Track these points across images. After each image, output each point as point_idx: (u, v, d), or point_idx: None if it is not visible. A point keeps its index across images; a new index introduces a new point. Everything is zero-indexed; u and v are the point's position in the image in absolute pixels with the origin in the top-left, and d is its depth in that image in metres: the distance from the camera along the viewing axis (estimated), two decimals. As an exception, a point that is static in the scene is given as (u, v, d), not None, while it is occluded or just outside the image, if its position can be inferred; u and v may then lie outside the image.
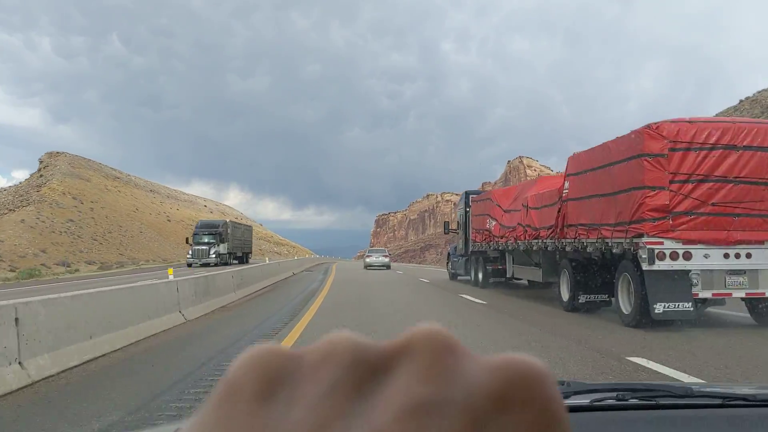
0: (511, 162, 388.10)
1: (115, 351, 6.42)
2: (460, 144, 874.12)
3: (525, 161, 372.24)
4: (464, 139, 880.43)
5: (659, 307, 7.67)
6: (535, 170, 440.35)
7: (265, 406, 0.22)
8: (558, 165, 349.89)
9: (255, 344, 0.24)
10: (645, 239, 7.85)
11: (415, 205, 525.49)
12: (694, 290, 7.93)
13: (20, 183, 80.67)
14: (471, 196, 19.07)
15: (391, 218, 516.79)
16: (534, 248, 12.28)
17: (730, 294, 8.28)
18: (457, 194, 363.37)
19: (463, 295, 13.49)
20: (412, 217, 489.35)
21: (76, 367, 5.63)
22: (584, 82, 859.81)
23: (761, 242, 8.01)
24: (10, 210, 58.71)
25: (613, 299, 9.52)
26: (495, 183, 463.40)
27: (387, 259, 35.91)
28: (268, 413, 0.22)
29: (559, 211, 10.70)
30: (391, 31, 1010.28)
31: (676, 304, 7.69)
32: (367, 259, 35.99)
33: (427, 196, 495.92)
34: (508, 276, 15.45)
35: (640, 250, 7.95)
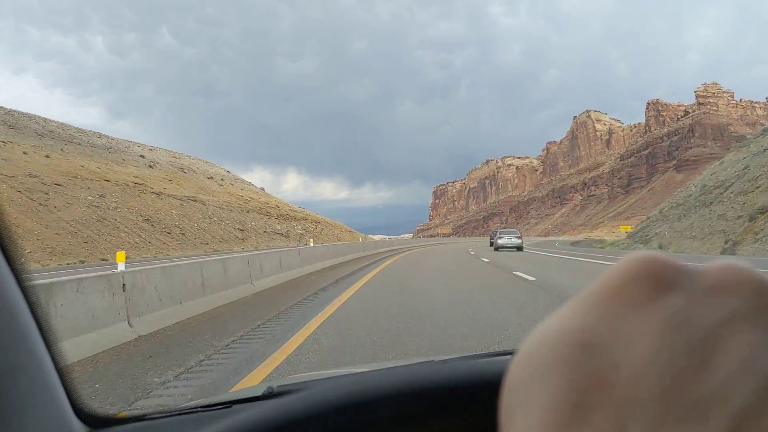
0: (578, 117, 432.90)
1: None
2: (515, 109, 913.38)
3: (593, 115, 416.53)
4: (519, 104, 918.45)
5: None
6: (604, 124, 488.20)
7: (658, 309, 0.22)
8: (627, 119, 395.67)
9: (639, 252, 0.25)
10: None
11: (475, 173, 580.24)
12: None
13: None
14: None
15: (449, 189, 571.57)
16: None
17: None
18: (519, 157, 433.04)
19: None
20: (472, 186, 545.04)
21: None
22: (640, 35, 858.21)
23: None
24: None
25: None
26: (561, 141, 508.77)
27: (519, 240, 34.03)
28: (663, 318, 0.22)
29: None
30: None
31: None
32: (499, 241, 34.20)
33: (487, 162, 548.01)
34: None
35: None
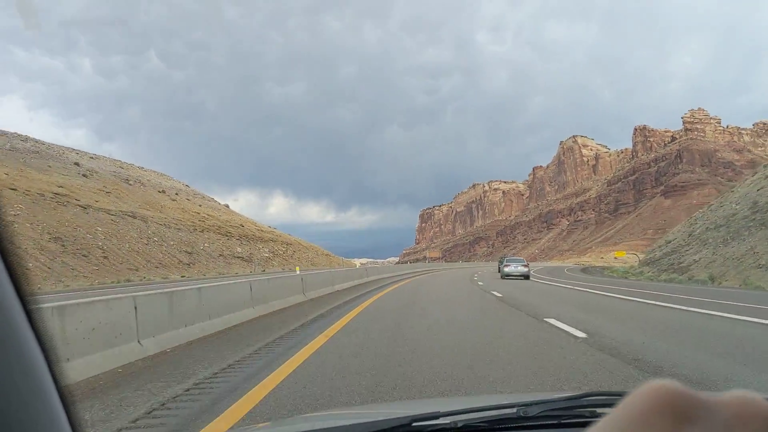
0: (564, 142, 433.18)
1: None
2: (501, 134, 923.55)
3: (580, 140, 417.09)
4: (506, 129, 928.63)
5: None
6: (591, 149, 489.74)
7: None
8: (612, 145, 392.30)
9: (656, 380, 0.25)
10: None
11: (461, 197, 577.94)
12: None
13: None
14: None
15: (436, 212, 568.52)
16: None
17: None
18: (506, 182, 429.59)
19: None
20: (458, 210, 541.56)
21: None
22: (624, 63, 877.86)
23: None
24: None
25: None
26: (547, 166, 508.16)
27: (526, 269, 34.12)
28: None
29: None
30: (424, 26, 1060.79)
31: None
32: (506, 269, 34.27)
33: (474, 186, 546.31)
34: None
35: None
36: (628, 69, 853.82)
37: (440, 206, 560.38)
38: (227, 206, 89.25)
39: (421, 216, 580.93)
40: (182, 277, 40.78)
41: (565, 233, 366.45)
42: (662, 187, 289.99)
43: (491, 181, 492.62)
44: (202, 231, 56.97)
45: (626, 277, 39.22)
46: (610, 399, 1.28)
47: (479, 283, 26.26)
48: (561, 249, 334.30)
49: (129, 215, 48.11)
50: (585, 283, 28.79)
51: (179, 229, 52.88)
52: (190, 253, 49.23)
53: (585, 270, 67.60)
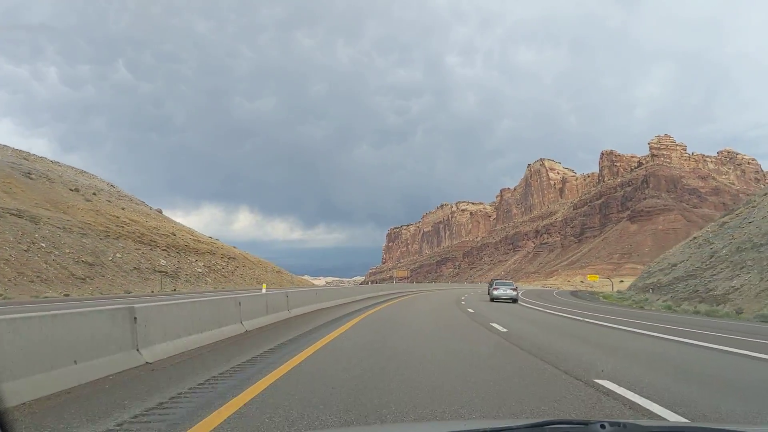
0: (532, 165, 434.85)
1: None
2: (470, 156, 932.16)
3: (547, 164, 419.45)
4: (474, 152, 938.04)
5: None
6: (558, 173, 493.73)
7: None
8: (578, 170, 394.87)
9: None
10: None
11: (429, 217, 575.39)
12: None
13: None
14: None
15: (403, 231, 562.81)
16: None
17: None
18: (473, 203, 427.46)
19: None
20: (426, 230, 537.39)
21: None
22: (590, 90, 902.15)
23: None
24: None
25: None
26: (514, 189, 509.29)
27: (514, 293, 34.81)
28: None
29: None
30: (395, 47, 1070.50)
31: None
32: (495, 292, 34.68)
33: (442, 206, 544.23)
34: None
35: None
36: (595, 95, 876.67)
37: (408, 226, 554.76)
38: (159, 211, 78.37)
39: (389, 235, 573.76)
40: (65, 295, 30.70)
41: (531, 256, 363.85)
42: (628, 212, 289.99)
43: (459, 202, 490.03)
44: (116, 238, 46.66)
45: (641, 307, 32.02)
46: (575, 428, 1.27)
47: (470, 310, 22.42)
48: (527, 271, 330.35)
49: (13, 213, 37.72)
50: (595, 313, 24.33)
51: (84, 234, 42.70)
52: (91, 265, 39.13)
53: (576, 294, 61.57)
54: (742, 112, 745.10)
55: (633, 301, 36.98)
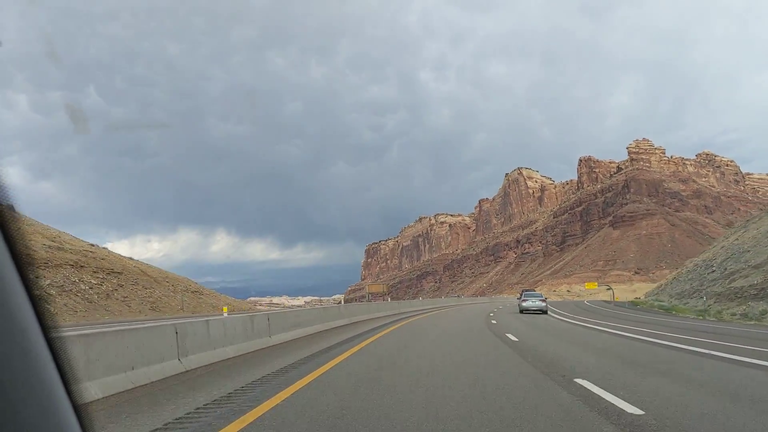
0: (510, 174, 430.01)
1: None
2: (446, 170, 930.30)
3: (525, 173, 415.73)
4: (451, 165, 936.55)
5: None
6: (536, 181, 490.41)
7: None
8: (556, 178, 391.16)
9: None
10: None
11: (408, 231, 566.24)
12: None
13: None
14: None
15: (382, 247, 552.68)
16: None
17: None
18: (452, 215, 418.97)
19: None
20: (405, 244, 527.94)
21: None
22: (562, 101, 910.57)
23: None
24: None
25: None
26: (493, 199, 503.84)
27: (543, 304, 34.92)
28: None
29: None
30: (368, 64, 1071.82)
31: None
32: (523, 304, 34.99)
33: (420, 219, 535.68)
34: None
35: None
36: (567, 106, 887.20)
37: (386, 241, 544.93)
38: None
39: (367, 251, 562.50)
40: None
41: (512, 266, 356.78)
42: (610, 218, 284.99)
43: (438, 215, 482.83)
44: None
45: (719, 317, 22.31)
46: None
47: (512, 338, 15.05)
48: (510, 282, 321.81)
49: None
50: (687, 335, 17.24)
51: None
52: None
53: (620, 305, 52.49)
54: (711, 119, 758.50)
55: (698, 311, 27.43)
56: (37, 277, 0.73)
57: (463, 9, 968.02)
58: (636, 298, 61.43)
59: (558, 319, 27.42)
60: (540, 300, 35.15)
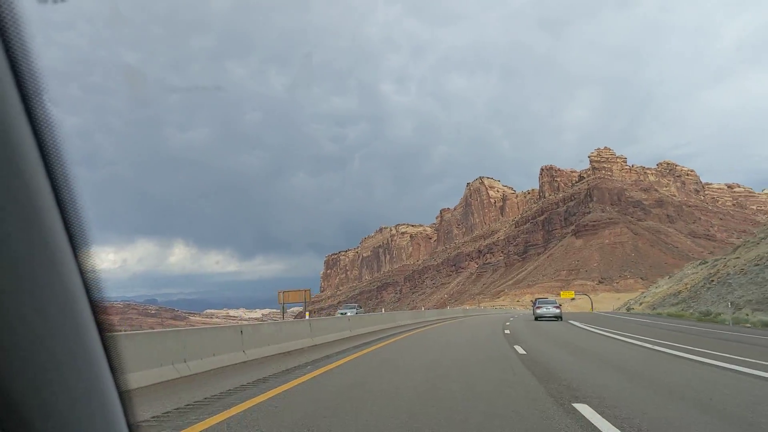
0: (471, 184, 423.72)
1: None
2: (408, 182, 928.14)
3: (486, 182, 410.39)
4: (412, 177, 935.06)
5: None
6: (498, 191, 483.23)
7: None
8: (520, 188, 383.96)
9: None
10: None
11: (368, 241, 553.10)
12: None
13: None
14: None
15: (342, 258, 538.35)
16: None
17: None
18: (413, 225, 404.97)
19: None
20: (365, 255, 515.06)
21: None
22: (521, 115, 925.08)
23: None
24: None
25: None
26: (455, 208, 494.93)
27: (558, 310, 35.27)
28: None
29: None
30: (330, 75, 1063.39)
31: None
32: (538, 311, 35.37)
33: (381, 230, 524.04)
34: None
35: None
36: (526, 120, 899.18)
37: (346, 251, 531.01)
38: None
39: (326, 262, 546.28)
40: None
41: (474, 276, 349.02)
42: (573, 227, 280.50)
43: (398, 225, 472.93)
44: None
45: None
46: None
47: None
48: (471, 293, 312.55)
49: None
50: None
51: None
52: None
53: (652, 310, 42.63)
54: (664, 133, 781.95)
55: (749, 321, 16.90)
56: (95, 282, 0.82)
57: (424, 22, 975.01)
58: (626, 307, 51.02)
59: (604, 335, 19.09)
60: (554, 307, 35.40)
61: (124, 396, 0.91)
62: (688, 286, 36.89)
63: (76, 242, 0.82)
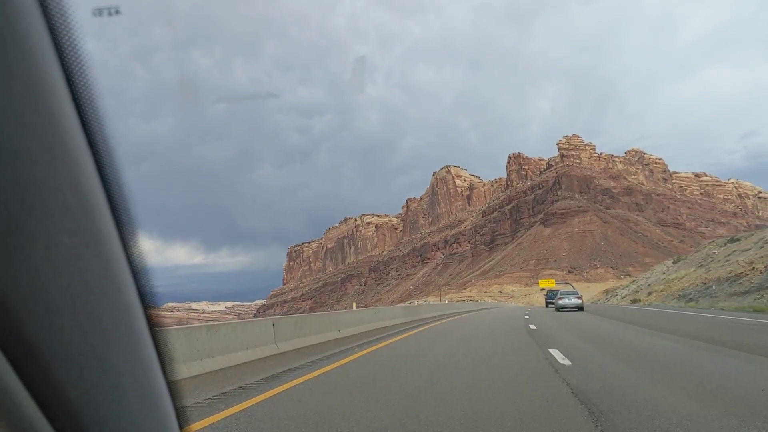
0: (437, 173, 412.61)
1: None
2: (374, 174, 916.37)
3: (453, 171, 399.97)
4: (379, 169, 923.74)
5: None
6: (464, 180, 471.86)
7: None
8: (487, 178, 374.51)
9: None
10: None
11: (332, 232, 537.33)
12: None
13: None
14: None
15: (305, 249, 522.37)
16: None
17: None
18: (378, 215, 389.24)
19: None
20: (329, 246, 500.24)
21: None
22: (488, 107, 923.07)
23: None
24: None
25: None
26: (421, 198, 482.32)
27: (580, 301, 34.83)
28: None
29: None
30: (295, 65, 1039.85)
31: None
32: (559, 302, 35.05)
33: (345, 220, 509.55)
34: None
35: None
36: (493, 112, 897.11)
37: (309, 243, 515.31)
38: None
39: (289, 254, 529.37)
40: None
41: (440, 267, 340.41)
42: (541, 216, 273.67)
43: (363, 215, 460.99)
44: None
45: None
46: None
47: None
48: (437, 284, 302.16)
49: None
50: None
51: None
52: None
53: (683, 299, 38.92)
54: (629, 125, 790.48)
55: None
56: (147, 279, 0.85)
57: (392, 12, 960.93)
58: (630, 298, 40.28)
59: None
60: (576, 297, 35.16)
61: (172, 386, 0.92)
62: (759, 268, 25.41)
63: (126, 242, 0.83)
